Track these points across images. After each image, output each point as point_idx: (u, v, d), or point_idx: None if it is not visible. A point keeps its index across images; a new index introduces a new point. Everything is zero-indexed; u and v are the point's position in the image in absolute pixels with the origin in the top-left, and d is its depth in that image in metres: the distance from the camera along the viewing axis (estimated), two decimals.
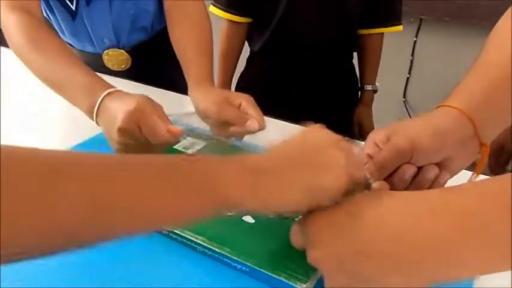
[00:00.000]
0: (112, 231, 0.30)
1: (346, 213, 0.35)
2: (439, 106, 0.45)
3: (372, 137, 0.46)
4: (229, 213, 0.35)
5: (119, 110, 0.56)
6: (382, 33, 1.24)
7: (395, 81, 2.06)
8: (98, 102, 0.59)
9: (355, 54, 1.28)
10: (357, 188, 0.38)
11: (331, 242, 0.35)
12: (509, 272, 0.44)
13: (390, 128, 0.45)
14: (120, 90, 0.61)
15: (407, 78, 2.07)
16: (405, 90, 2.10)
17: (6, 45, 0.74)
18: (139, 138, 0.56)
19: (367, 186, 0.43)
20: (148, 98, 0.59)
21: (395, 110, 2.07)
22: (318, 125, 0.43)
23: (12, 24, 0.70)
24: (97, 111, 0.59)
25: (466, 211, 0.30)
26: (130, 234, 0.31)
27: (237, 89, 1.26)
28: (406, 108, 2.12)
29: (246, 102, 0.63)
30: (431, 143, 0.42)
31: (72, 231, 0.28)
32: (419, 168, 0.44)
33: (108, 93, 0.59)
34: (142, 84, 0.91)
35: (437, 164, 0.44)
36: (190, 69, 0.74)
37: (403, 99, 2.11)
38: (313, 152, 0.38)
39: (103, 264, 0.47)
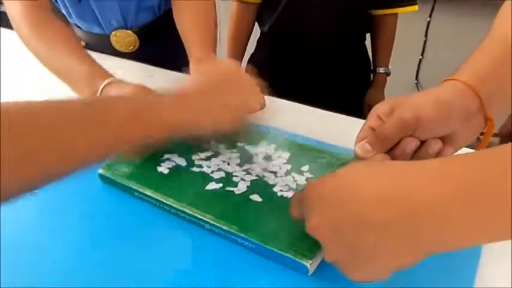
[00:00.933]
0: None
1: (344, 182, 0.35)
2: (445, 80, 0.44)
3: (376, 109, 0.45)
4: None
5: None
6: (397, 14, 1.21)
7: (407, 63, 2.02)
8: (99, 91, 0.61)
9: (367, 35, 1.26)
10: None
11: (329, 210, 0.35)
12: (509, 272, 0.43)
13: (395, 100, 0.44)
14: (119, 80, 0.63)
15: (420, 59, 2.04)
16: (417, 72, 2.06)
17: (11, 27, 0.74)
18: None
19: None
20: (146, 87, 0.60)
21: (407, 92, 2.03)
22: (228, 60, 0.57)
23: (17, 12, 0.71)
24: None
25: (465, 178, 0.30)
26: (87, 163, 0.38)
27: (247, 71, 1.25)
28: (418, 91, 2.09)
29: None
30: (436, 115, 0.41)
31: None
32: (422, 143, 0.43)
33: (108, 83, 0.61)
34: (149, 66, 0.90)
35: (441, 139, 0.43)
36: (193, 49, 0.74)
37: (416, 81, 2.08)
38: (228, 79, 0.52)
39: (109, 243, 0.47)
